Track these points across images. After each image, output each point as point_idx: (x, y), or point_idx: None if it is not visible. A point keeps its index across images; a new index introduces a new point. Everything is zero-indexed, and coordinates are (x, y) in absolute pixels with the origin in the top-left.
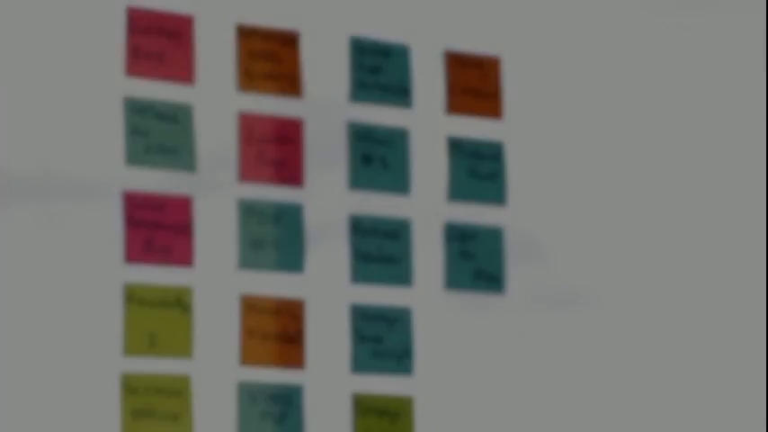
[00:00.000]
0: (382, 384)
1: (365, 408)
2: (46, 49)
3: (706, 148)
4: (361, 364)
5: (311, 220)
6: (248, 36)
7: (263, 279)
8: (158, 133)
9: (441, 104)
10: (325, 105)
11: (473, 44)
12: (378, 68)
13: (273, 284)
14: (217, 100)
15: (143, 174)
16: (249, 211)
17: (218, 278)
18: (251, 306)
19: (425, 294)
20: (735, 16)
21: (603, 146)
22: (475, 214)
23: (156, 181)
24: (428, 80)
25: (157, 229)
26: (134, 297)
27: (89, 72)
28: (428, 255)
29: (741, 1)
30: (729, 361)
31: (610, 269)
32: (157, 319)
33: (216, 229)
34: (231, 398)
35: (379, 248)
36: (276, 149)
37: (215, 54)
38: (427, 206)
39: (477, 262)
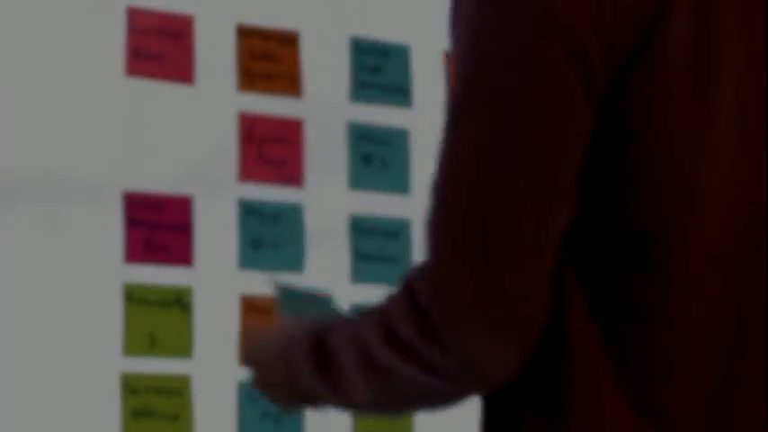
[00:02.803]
0: None
1: None
2: (46, 50)
3: None
4: None
5: (311, 220)
6: (248, 36)
7: (263, 279)
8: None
9: (440, 104)
10: (325, 105)
11: None
12: (378, 68)
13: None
14: (217, 100)
15: (143, 174)
16: (249, 211)
17: (218, 278)
18: (251, 306)
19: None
20: None
21: None
22: None
23: (156, 181)
24: (428, 80)
25: (157, 229)
26: (134, 297)
27: (89, 72)
28: None
29: None
30: None
31: None
32: (157, 319)
33: (216, 229)
34: (231, 398)
35: (379, 248)
36: (276, 149)
37: (215, 54)
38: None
39: None
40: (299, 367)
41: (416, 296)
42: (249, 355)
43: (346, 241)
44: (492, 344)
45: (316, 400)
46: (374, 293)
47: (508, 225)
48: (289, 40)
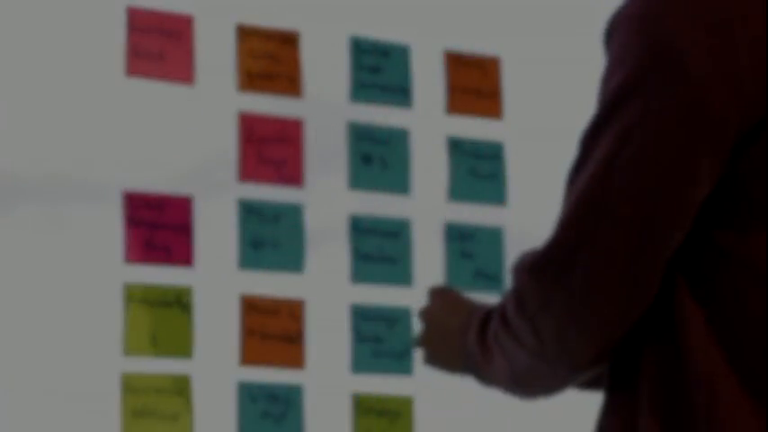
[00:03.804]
0: (382, 384)
1: (365, 408)
2: (46, 50)
3: None
4: (361, 364)
5: (311, 220)
6: (248, 36)
7: (263, 279)
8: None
9: (441, 104)
10: (325, 105)
11: (473, 44)
12: (378, 68)
13: (273, 284)
14: (217, 100)
15: (143, 174)
16: (249, 211)
17: (218, 278)
18: (251, 306)
19: (425, 294)
20: None
21: None
22: (475, 214)
23: (156, 181)
24: (428, 80)
25: (157, 229)
26: (134, 297)
27: (89, 72)
28: (428, 255)
29: None
30: None
31: None
32: (157, 319)
33: (216, 229)
34: (231, 398)
35: (379, 248)
36: (276, 149)
37: (215, 54)
38: (427, 206)
39: (477, 262)
40: (471, 350)
41: (517, 276)
42: (428, 335)
43: (346, 241)
44: (567, 335)
45: (479, 379)
46: (374, 293)
47: (602, 241)
48: (289, 40)
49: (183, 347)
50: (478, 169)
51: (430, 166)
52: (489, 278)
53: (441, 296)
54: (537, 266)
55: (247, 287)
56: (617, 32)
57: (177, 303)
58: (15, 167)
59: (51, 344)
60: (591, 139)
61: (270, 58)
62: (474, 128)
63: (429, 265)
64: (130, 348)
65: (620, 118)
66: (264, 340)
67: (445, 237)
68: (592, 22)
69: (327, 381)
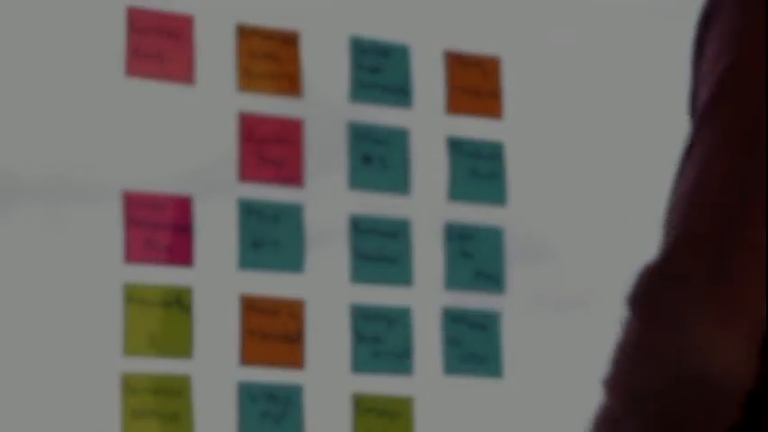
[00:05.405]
0: (382, 384)
1: (365, 408)
2: (46, 50)
3: None
4: (361, 364)
5: (311, 220)
6: (248, 36)
7: (263, 279)
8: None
9: (441, 104)
10: (325, 105)
11: (473, 44)
12: (378, 68)
13: (273, 284)
14: (217, 100)
15: (143, 174)
16: (249, 211)
17: (218, 278)
18: (251, 306)
19: (425, 294)
20: None
21: (603, 146)
22: (475, 214)
23: (156, 181)
24: (428, 80)
25: (157, 229)
26: (134, 297)
27: (89, 72)
28: (428, 255)
29: None
30: None
31: (611, 270)
32: (157, 319)
33: (216, 229)
34: (231, 398)
35: (379, 248)
36: (276, 149)
37: (215, 54)
38: (427, 206)
39: (477, 262)
40: None
41: (636, 297)
42: None
43: (346, 241)
44: (720, 331)
45: None
46: (374, 293)
47: (753, 211)
48: (289, 40)
49: (183, 347)
50: (478, 169)
51: (430, 166)
52: (489, 278)
53: None
54: (660, 270)
55: (247, 287)
56: (720, 13)
57: (177, 303)
58: (16, 168)
59: (51, 344)
60: (705, 119)
61: (270, 58)
62: (474, 128)
63: (429, 265)
64: (130, 348)
65: (735, 99)
66: (264, 340)
67: (445, 237)
68: (592, 21)
69: (327, 381)
